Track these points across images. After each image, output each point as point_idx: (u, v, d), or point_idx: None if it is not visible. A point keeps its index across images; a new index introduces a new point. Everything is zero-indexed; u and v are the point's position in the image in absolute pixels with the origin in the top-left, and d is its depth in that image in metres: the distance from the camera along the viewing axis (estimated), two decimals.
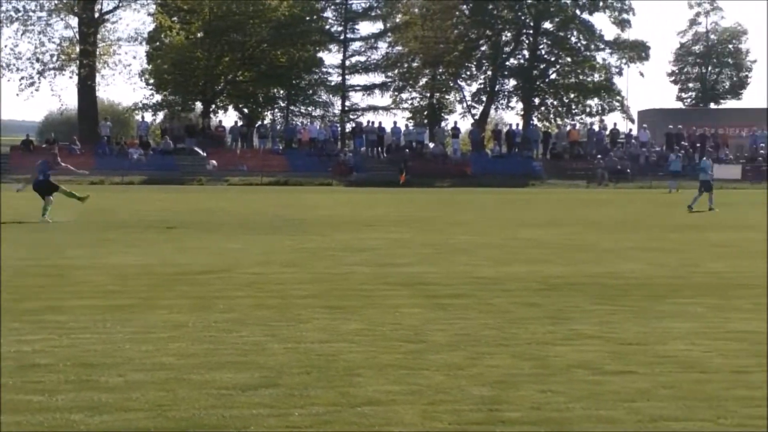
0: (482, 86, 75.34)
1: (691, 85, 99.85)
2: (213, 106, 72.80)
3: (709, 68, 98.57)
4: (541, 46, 74.05)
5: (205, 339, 9.93)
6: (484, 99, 74.95)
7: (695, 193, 35.10)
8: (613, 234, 23.92)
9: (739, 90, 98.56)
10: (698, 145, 63.73)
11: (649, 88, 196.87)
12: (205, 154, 60.63)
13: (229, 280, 14.35)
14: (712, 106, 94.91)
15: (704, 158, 39.60)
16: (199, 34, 69.00)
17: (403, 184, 53.23)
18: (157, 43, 69.34)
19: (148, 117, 71.15)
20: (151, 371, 8.47)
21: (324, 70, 74.83)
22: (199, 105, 73.57)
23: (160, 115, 72.87)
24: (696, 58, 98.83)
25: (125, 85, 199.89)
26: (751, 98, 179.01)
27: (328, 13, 74.63)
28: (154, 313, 11.35)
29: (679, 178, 52.52)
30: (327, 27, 74.32)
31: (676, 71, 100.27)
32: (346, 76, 74.00)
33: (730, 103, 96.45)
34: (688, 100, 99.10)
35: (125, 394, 7.71)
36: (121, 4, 66.33)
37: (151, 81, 70.28)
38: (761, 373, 8.69)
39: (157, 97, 70.90)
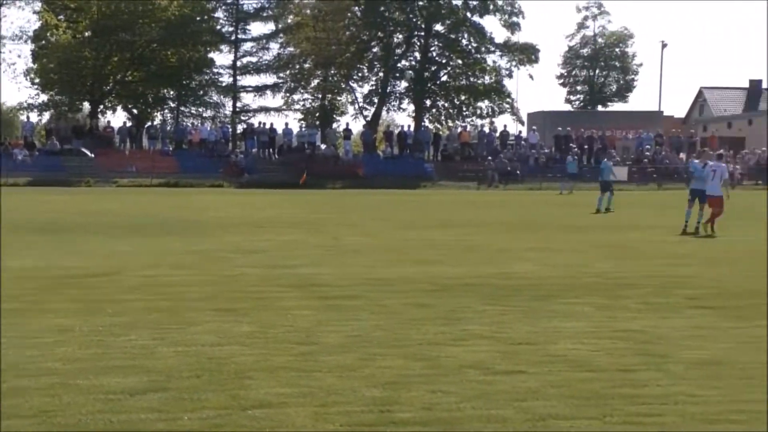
0: (374, 88, 75.61)
1: (579, 87, 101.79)
2: (101, 106, 71.76)
3: (597, 71, 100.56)
4: (432, 48, 74.51)
5: (92, 343, 9.75)
6: (376, 101, 75.16)
7: (602, 194, 35.42)
8: (503, 235, 24.17)
9: (626, 93, 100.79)
10: (586, 147, 64.76)
11: (539, 90, 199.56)
12: (93, 155, 59.75)
13: (118, 283, 14.12)
14: (600, 108, 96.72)
15: (605, 160, 40.22)
16: (86, 33, 67.96)
17: (303, 184, 52.90)
18: (43, 42, 68.03)
19: (34, 117, 70.06)
20: (35, 377, 8.28)
21: (215, 70, 74.37)
22: (86, 105, 72.48)
23: (46, 116, 71.59)
24: (584, 61, 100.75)
25: (9, 84, 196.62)
26: (637, 101, 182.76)
27: (219, 14, 74.11)
28: (40, 318, 11.11)
29: (575, 179, 53.34)
30: (218, 27, 73.75)
31: (565, 74, 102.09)
32: (238, 77, 73.60)
33: (617, 106, 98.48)
34: (577, 102, 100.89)
35: (9, 400, 7.53)
36: (4, 2, 65.04)
37: (37, 80, 68.96)
38: (646, 371, 8.85)
39: (43, 97, 69.73)
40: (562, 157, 62.06)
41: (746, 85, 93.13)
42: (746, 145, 67.00)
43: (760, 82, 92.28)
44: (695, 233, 24.25)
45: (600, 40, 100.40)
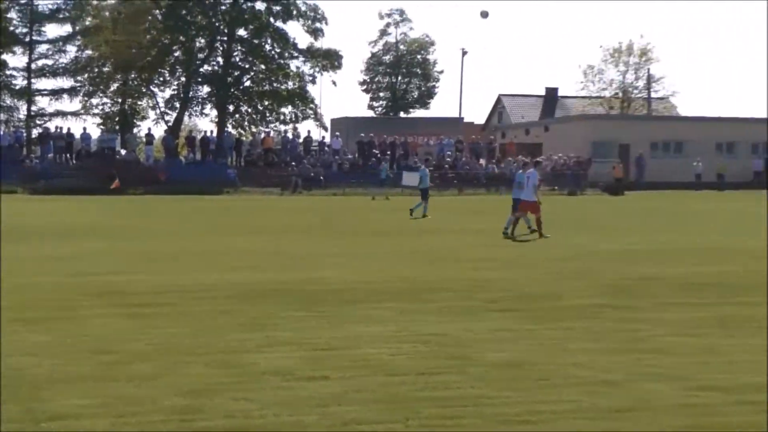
0: (176, 92, 74.55)
1: (381, 94, 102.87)
2: None
3: (399, 78, 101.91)
4: (235, 53, 74.02)
5: None
6: (178, 105, 74.15)
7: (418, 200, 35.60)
8: (307, 241, 24.18)
9: (427, 100, 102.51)
10: (388, 153, 65.45)
11: (342, 96, 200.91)
12: None
13: None
14: (402, 114, 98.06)
15: (422, 167, 40.49)
16: None
17: (114, 189, 51.43)
18: None
19: None
20: None
21: (8, 73, 71.82)
22: None
23: None
24: (386, 67, 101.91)
25: None
26: (438, 108, 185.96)
27: (12, 14, 71.58)
28: None
29: (385, 185, 53.81)
30: (11, 28, 71.29)
31: (368, 80, 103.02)
32: (32, 80, 71.34)
33: (418, 112, 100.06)
34: (379, 108, 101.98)
35: None
36: None
37: None
38: (448, 374, 8.98)
39: None
40: (365, 162, 62.62)
41: (543, 92, 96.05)
42: (543, 151, 68.96)
43: (556, 89, 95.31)
44: (512, 237, 24.92)
45: (402, 47, 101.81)
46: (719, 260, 19.35)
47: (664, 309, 12.93)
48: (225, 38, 73.02)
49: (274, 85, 74.04)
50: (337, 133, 71.56)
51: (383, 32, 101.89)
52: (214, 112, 74.46)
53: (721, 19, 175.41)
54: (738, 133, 71.58)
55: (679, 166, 67.76)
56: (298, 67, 74.99)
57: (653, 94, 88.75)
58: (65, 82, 71.95)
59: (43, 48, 71.76)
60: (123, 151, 64.23)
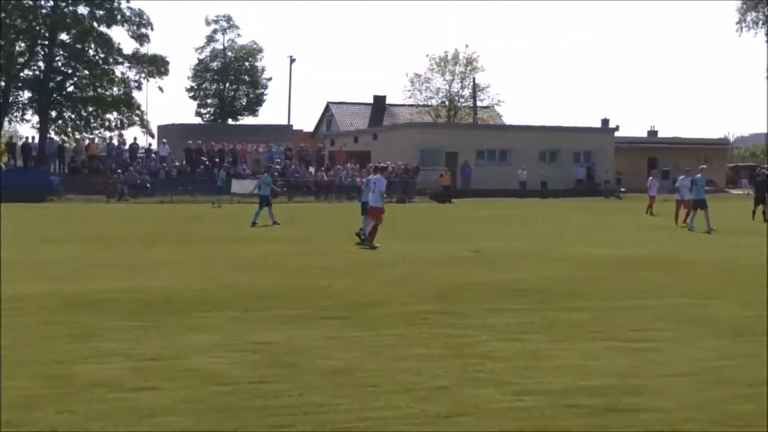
0: None
1: (209, 101, 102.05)
2: None
3: (227, 85, 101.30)
4: (57, 58, 72.25)
5: None
6: None
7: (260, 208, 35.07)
8: (135, 249, 23.78)
9: (256, 107, 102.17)
10: (217, 160, 64.93)
11: (169, 103, 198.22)
12: None
13: None
14: (231, 122, 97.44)
15: (265, 174, 40.15)
16: None
17: None
18: None
19: None
20: None
21: None
22: None
23: None
24: (214, 74, 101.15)
25: None
26: (267, 115, 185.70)
27: None
28: None
29: (223, 193, 53.35)
30: None
31: (195, 87, 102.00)
32: None
33: (247, 120, 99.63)
34: (207, 115, 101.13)
35: None
36: None
37: None
38: (279, 383, 8.95)
39: None
40: (193, 170, 62.02)
41: (371, 100, 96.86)
42: (372, 158, 69.51)
43: (384, 97, 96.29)
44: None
45: (229, 53, 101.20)
46: (543, 266, 19.83)
47: (489, 314, 13.17)
48: (46, 42, 71.16)
49: (99, 90, 72.56)
50: (164, 140, 70.56)
51: (210, 38, 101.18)
52: (36, 118, 72.54)
53: (542, 29, 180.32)
54: (561, 142, 73.66)
55: (504, 174, 69.29)
56: (123, 73, 73.78)
57: (479, 103, 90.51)
58: None
59: None
60: None
